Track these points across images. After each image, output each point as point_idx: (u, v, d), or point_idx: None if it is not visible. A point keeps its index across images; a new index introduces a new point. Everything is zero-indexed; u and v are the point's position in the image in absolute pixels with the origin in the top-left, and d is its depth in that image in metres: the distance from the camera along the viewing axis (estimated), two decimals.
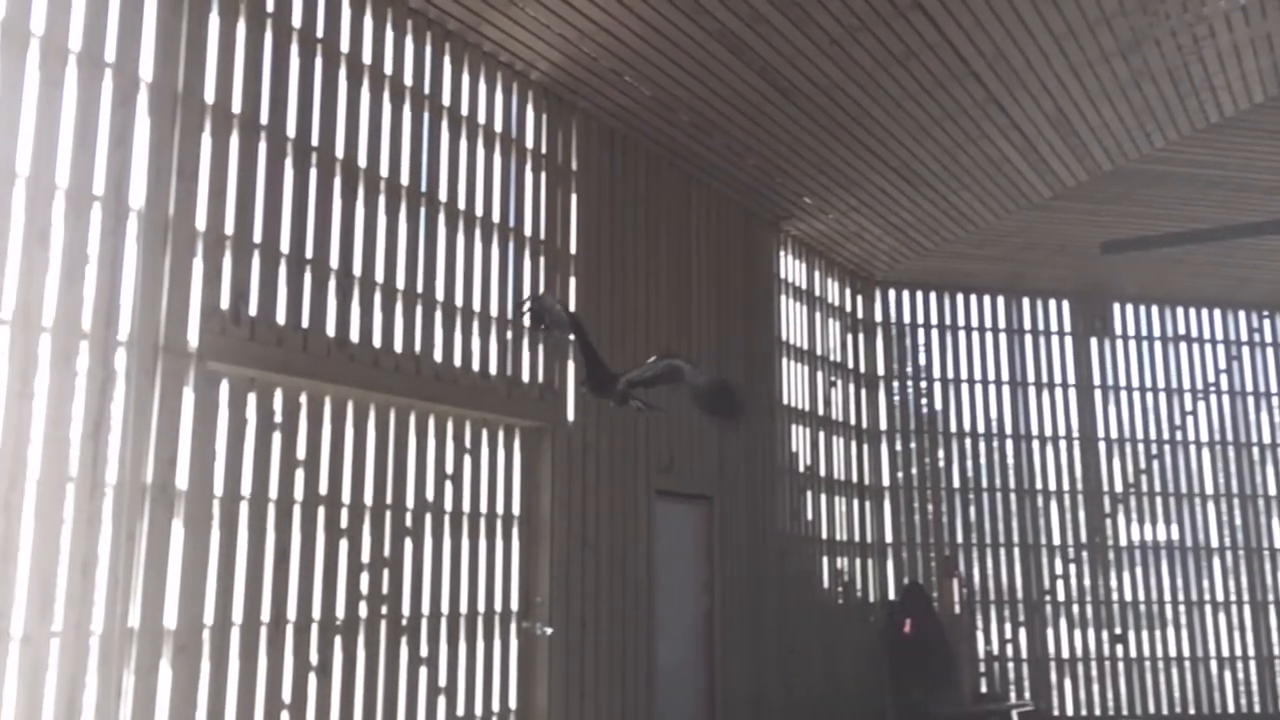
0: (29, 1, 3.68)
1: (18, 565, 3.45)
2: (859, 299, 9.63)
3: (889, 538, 9.36)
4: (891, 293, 9.81)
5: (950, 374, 9.81)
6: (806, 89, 6.28)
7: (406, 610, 4.97)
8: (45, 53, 3.71)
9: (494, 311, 5.65)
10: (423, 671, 5.05)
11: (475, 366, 5.49)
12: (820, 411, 8.82)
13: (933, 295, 9.90)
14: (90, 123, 3.83)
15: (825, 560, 8.59)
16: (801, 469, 8.43)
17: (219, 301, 4.22)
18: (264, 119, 4.48)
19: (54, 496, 3.58)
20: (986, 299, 9.99)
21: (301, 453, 4.54)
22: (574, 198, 6.32)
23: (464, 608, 5.33)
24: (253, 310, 4.36)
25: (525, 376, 5.83)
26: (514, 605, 5.66)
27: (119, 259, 3.88)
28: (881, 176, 7.53)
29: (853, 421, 9.32)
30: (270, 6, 4.55)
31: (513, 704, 5.58)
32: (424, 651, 5.06)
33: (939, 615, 9.04)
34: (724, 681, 7.17)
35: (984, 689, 9.30)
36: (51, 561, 3.55)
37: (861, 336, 9.61)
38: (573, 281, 6.21)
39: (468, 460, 5.48)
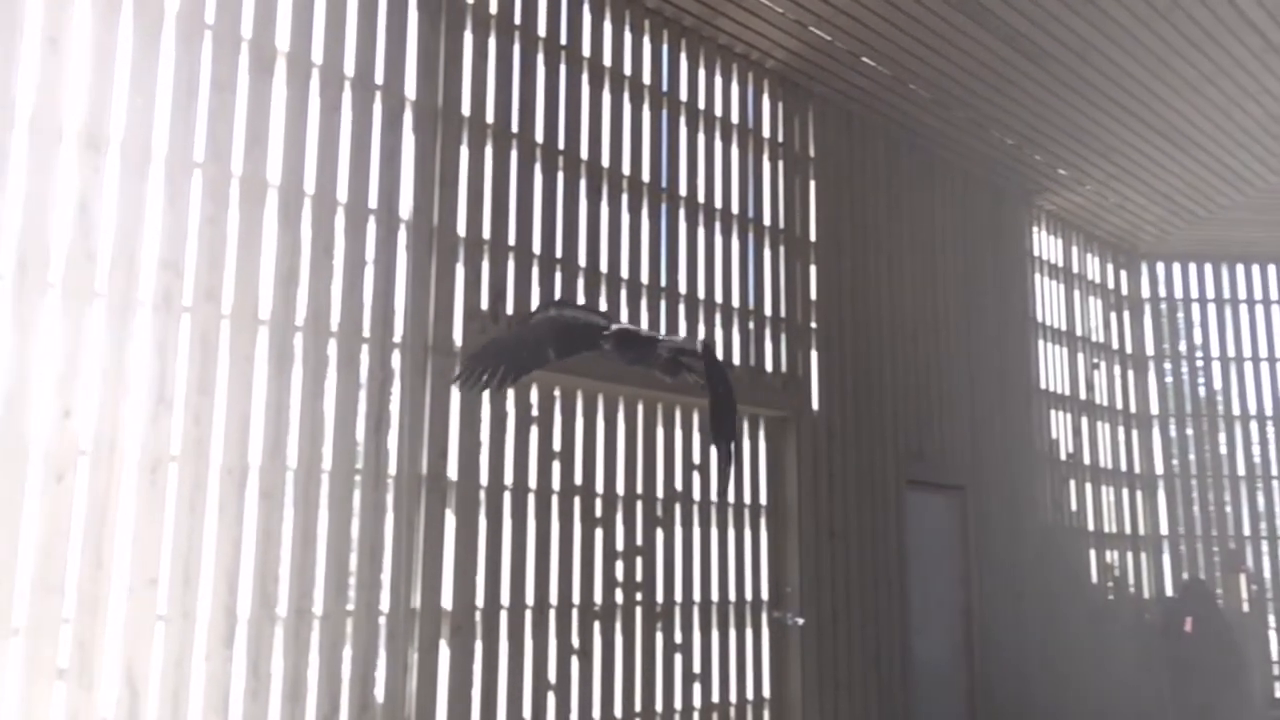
0: (310, 34, 4.03)
1: (316, 550, 3.80)
2: (1122, 274, 8.98)
3: (1164, 530, 8.68)
4: (1160, 266, 9.09)
5: (1231, 352, 8.99)
6: (1057, 52, 5.91)
7: (660, 598, 5.09)
8: (324, 80, 4.06)
9: (735, 302, 5.68)
10: (677, 658, 5.15)
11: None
12: (1082, 395, 8.30)
13: (1208, 267, 9.10)
14: (364, 142, 4.15)
15: (1093, 554, 8.08)
16: (1063, 457, 7.97)
17: (479, 302, 4.47)
18: (514, 127, 4.70)
19: (344, 488, 3.91)
20: (1272, 269, 9.07)
21: (558, 444, 4.73)
22: (812, 185, 6.24)
23: (715, 596, 5.39)
24: (509, 309, 4.59)
25: (769, 365, 5.82)
26: (764, 595, 5.67)
27: (392, 267, 4.19)
28: (1145, 141, 6.99)
29: (1119, 406, 8.71)
30: (518, 18, 4.77)
31: (766, 693, 5.59)
32: (678, 638, 5.16)
33: (1224, 613, 8.31)
34: (985, 682, 6.88)
35: (1278, 694, 8.47)
36: (345, 547, 3.88)
37: (1126, 314, 8.97)
38: (813, 270, 6.15)
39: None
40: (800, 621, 5.66)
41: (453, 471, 4.26)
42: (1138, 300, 9.04)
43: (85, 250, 3.38)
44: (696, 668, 5.24)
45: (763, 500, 5.75)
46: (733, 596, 5.49)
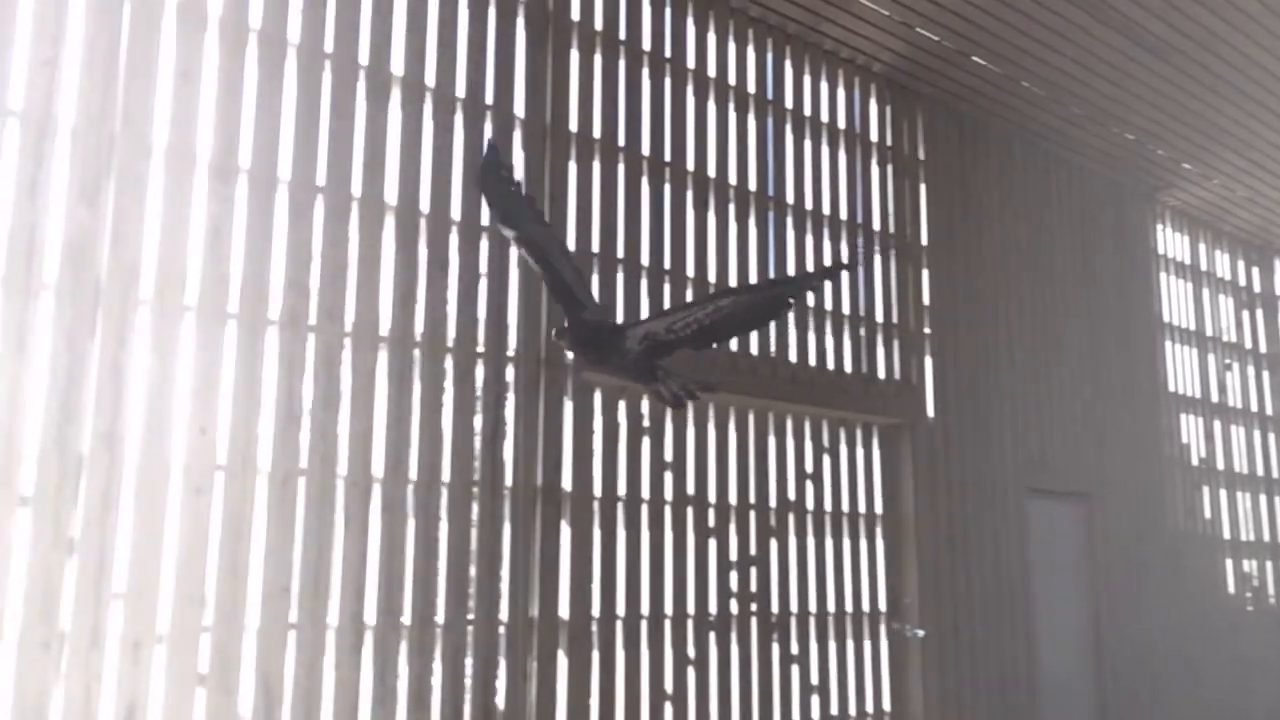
0: (423, 59, 4.14)
1: (438, 560, 3.89)
2: (1254, 271, 8.56)
3: None
4: None
5: None
6: (1179, 43, 5.69)
7: (775, 608, 5.05)
8: (437, 103, 4.17)
9: (846, 309, 5.61)
10: (794, 669, 5.10)
11: (830, 365, 5.47)
12: (1214, 398, 7.93)
13: None
14: (476, 161, 4.25)
15: (1229, 563, 7.70)
16: (1195, 462, 7.62)
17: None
18: (621, 141, 4.75)
19: (463, 499, 4.00)
20: None
21: (669, 455, 4.75)
22: (923, 187, 6.13)
23: (831, 607, 5.32)
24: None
25: (881, 373, 5.73)
26: (882, 605, 5.57)
27: (505, 282, 4.27)
28: (1276, 132, 6.66)
29: (1254, 408, 8.30)
30: (622, 34, 4.82)
31: (886, 706, 5.49)
32: (794, 649, 5.11)
33: None
34: (1116, 696, 6.62)
35: None
36: (464, 557, 3.96)
37: (1260, 313, 8.54)
38: (925, 274, 6.03)
39: (827, 459, 5.47)
40: (920, 633, 5.55)
41: (567, 482, 4.31)
42: (1271, 298, 8.61)
43: (218, 274, 3.55)
44: (814, 679, 5.17)
45: (878, 509, 5.65)
46: (850, 607, 5.41)
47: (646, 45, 4.93)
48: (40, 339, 3.20)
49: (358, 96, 3.97)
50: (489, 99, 4.33)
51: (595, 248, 4.58)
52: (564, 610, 4.20)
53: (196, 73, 3.59)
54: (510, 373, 4.24)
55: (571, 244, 4.50)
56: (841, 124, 5.79)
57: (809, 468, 5.36)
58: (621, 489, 4.52)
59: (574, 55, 4.64)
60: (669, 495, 4.71)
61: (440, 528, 3.93)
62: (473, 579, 3.98)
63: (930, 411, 5.90)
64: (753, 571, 4.99)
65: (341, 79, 3.93)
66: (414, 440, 3.91)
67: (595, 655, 4.30)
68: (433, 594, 3.86)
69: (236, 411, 3.53)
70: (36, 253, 3.20)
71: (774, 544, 5.11)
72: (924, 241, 6.07)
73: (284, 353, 3.66)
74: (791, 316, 5.33)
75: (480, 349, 4.16)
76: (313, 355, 3.74)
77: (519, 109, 4.42)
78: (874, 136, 5.94)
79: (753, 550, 5.01)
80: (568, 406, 4.37)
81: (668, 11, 5.04)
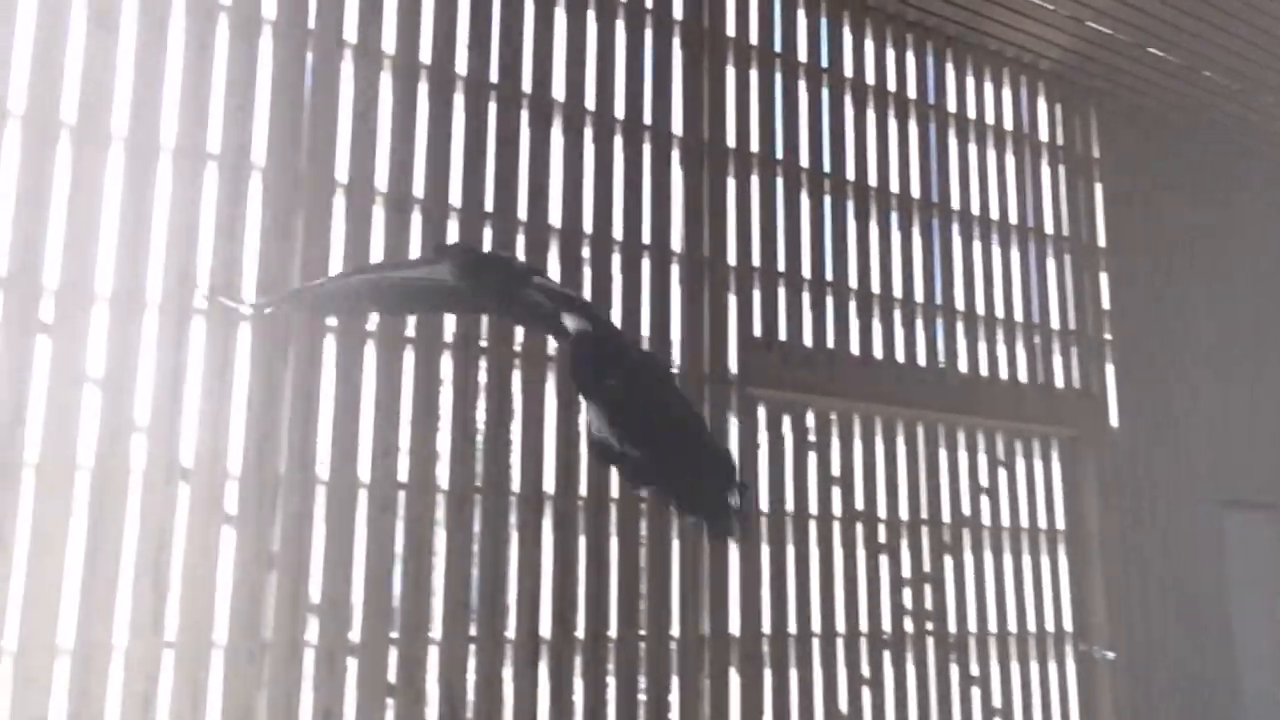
0: (582, 85, 4.24)
1: (609, 576, 3.94)
2: None
3: None
4: None
5: None
6: None
7: (953, 627, 4.88)
8: (597, 126, 4.25)
9: (1019, 316, 5.41)
10: (975, 691, 4.91)
11: (1003, 374, 5.28)
12: None
13: None
14: (635, 181, 4.31)
15: None
16: None
17: (752, 330, 4.50)
18: (779, 154, 4.72)
19: (631, 515, 4.04)
20: None
21: (836, 469, 4.67)
22: (1098, 187, 5.86)
23: (1013, 627, 5.10)
24: (782, 335, 4.59)
25: (1059, 382, 5.49)
26: (1067, 626, 5.31)
27: (667, 299, 4.31)
28: None
29: None
30: (778, 46, 4.81)
31: None
32: (974, 670, 4.93)
33: None
34: None
35: None
36: (634, 573, 4.00)
37: None
38: (1104, 278, 5.75)
39: (1003, 473, 5.27)
40: (1110, 655, 5.26)
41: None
42: None
43: None
44: (996, 702, 4.97)
45: (1059, 524, 5.40)
46: (1032, 627, 5.18)
47: (803, 56, 4.89)
48: (240, 367, 3.42)
49: (521, 125, 4.09)
50: (647, 119, 4.39)
51: (756, 262, 4.57)
52: (734, 627, 4.18)
53: (372, 113, 3.76)
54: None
55: (732, 259, 4.49)
56: (1008, 125, 5.60)
57: (984, 481, 5.18)
58: (789, 504, 4.48)
59: (730, 71, 4.65)
60: (838, 510, 4.63)
61: (610, 543, 3.98)
62: (643, 595, 4.01)
63: (1114, 421, 5.61)
64: (928, 589, 4.85)
65: (505, 108, 4.06)
66: (583, 458, 3.98)
67: (768, 673, 4.26)
68: (605, 610, 3.91)
69: (415, 433, 3.68)
70: (234, 287, 3.42)
71: (949, 561, 4.95)
72: (1101, 243, 5.79)
73: (458, 375, 3.79)
74: (960, 325, 5.17)
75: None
76: (484, 376, 3.86)
77: (676, 127, 4.46)
78: (1044, 136, 5.72)
79: (927, 567, 4.86)
80: (733, 421, 4.37)
81: (823, 21, 4.99)
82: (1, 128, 3.13)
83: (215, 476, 3.31)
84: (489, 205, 3.97)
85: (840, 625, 4.52)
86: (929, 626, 4.81)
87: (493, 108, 4.04)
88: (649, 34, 4.47)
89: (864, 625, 4.59)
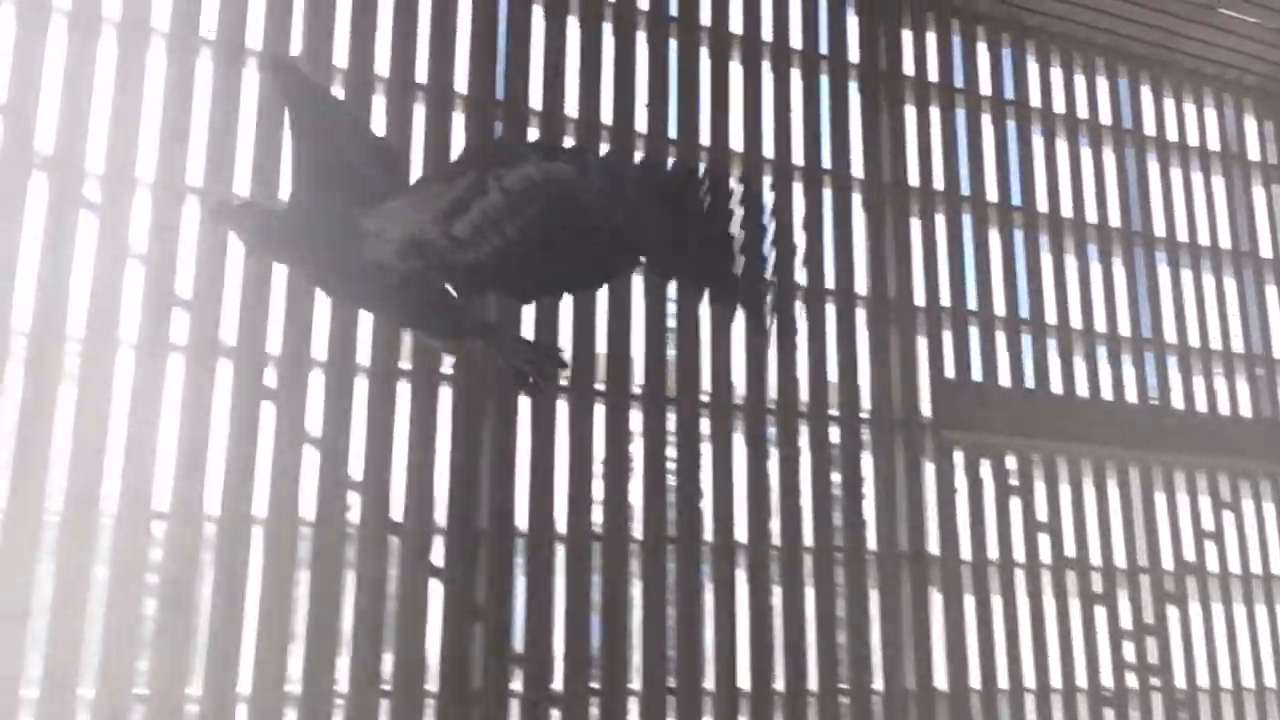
0: (759, 133, 4.26)
1: (806, 627, 3.86)
2: None
3: None
4: None
5: None
6: None
7: (1181, 683, 4.52)
8: (777, 174, 4.27)
9: (1237, 348, 5.03)
10: None
11: (1223, 409, 4.91)
12: None
13: None
14: (816, 226, 4.29)
15: None
16: None
17: (944, 371, 4.37)
18: (965, 189, 4.60)
19: (825, 564, 3.96)
20: None
21: (1042, 514, 4.45)
22: None
23: (1249, 682, 4.68)
24: (977, 375, 4.43)
25: None
26: None
27: (852, 344, 4.24)
28: None
29: None
30: (959, 81, 4.71)
31: None
32: None
33: None
34: None
35: None
36: (831, 624, 3.90)
37: None
38: None
39: (1228, 515, 4.88)
40: None
41: (933, 546, 4.15)
42: None
43: (586, 354, 3.80)
44: None
45: None
46: (1272, 683, 4.73)
47: (986, 89, 4.77)
48: (442, 426, 3.56)
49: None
50: (826, 163, 4.37)
51: (946, 301, 4.44)
52: (941, 681, 4.01)
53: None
54: (865, 435, 4.18)
55: (920, 299, 4.39)
56: (1213, 145, 5.27)
57: (1207, 525, 4.81)
58: (993, 552, 4.28)
59: (910, 110, 4.59)
60: (1046, 558, 4.39)
61: (805, 593, 3.91)
62: (841, 646, 3.91)
63: None
64: (1151, 641, 4.52)
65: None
66: (774, 507, 3.94)
67: None
68: (802, 662, 3.82)
69: (608, 484, 3.73)
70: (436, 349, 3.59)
71: (1173, 611, 4.61)
72: None
73: (649, 425, 3.83)
74: (1172, 360, 4.86)
75: (834, 412, 4.13)
76: (673, 426, 3.89)
77: (856, 170, 4.42)
78: (1254, 155, 5.36)
79: (1148, 618, 4.54)
80: (929, 468, 4.24)
81: (1005, 52, 4.86)
82: None
83: (423, 530, 3.45)
84: None
85: (1056, 680, 4.26)
86: (1153, 681, 4.47)
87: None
88: (825, 80, 4.46)
89: (1082, 680, 4.31)
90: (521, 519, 3.59)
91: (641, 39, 4.15)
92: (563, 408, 3.74)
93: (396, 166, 2.14)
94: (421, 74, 3.77)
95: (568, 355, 2.10)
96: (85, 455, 3.08)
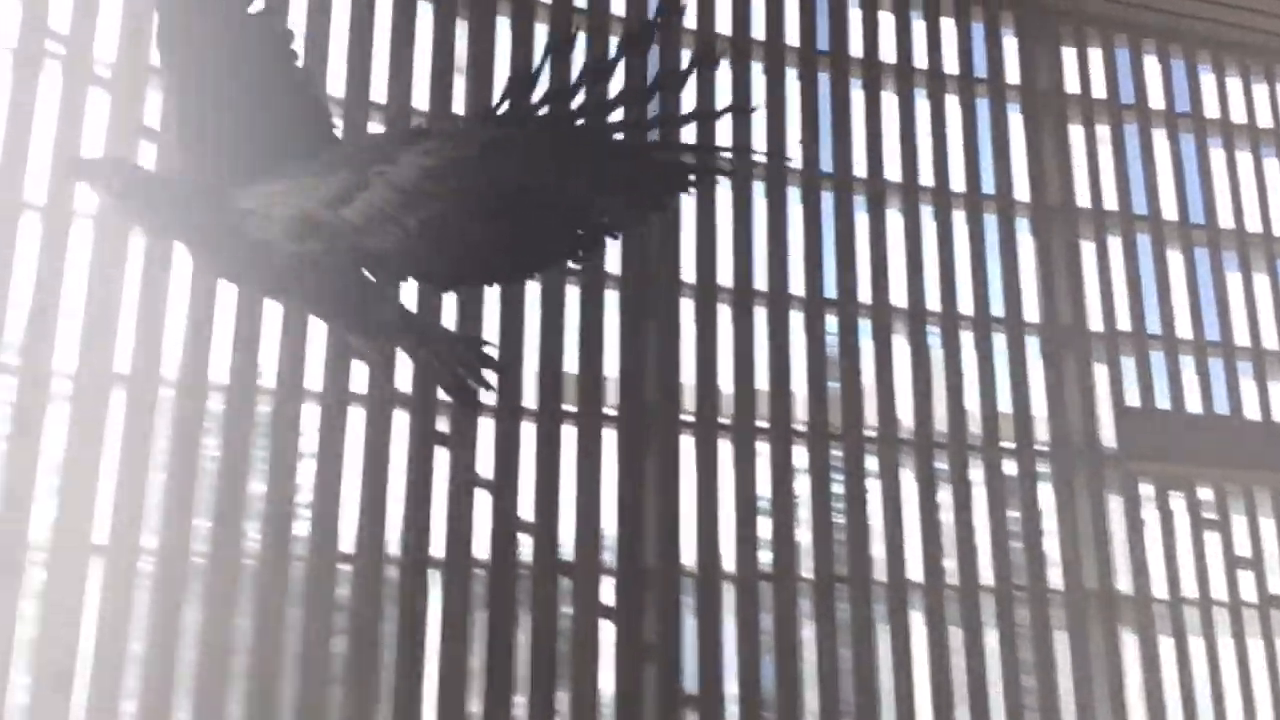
0: (915, 160, 4.19)
1: (985, 670, 3.70)
2: None
3: None
4: None
5: None
6: None
7: None
8: (936, 202, 4.17)
9: None
10: None
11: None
12: None
13: None
14: (980, 251, 4.17)
15: None
16: None
17: (1125, 399, 4.15)
18: (1141, 209, 4.39)
19: (1007, 603, 3.79)
20: None
21: (1244, 549, 4.14)
22: None
23: None
24: (1163, 403, 4.19)
25: None
26: None
27: (1024, 372, 4.07)
28: None
29: None
30: (1127, 97, 4.51)
31: None
32: None
33: None
34: None
35: None
36: (1014, 667, 3.73)
37: None
38: None
39: None
40: None
41: (1124, 584, 3.92)
42: None
43: (747, 393, 3.77)
44: None
45: None
46: None
47: (1157, 103, 4.55)
48: (608, 466, 3.60)
49: (856, 208, 4.08)
50: (988, 188, 4.25)
51: (1125, 326, 4.23)
52: None
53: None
54: (1043, 467, 4.00)
55: (1098, 324, 4.19)
56: None
57: None
58: (1190, 590, 4.01)
59: (1076, 129, 4.42)
60: (1250, 596, 4.08)
61: (986, 635, 3.75)
62: (1032, 690, 3.72)
63: None
64: None
65: (841, 195, 4.08)
66: (950, 543, 3.81)
67: None
68: (985, 707, 3.65)
69: (776, 522, 3.68)
70: (597, 387, 3.64)
71: None
72: None
73: (813, 461, 3.77)
74: None
75: (1008, 445, 3.98)
76: (840, 463, 3.81)
77: (1021, 193, 4.28)
78: None
79: None
80: (1113, 502, 4.02)
81: (1176, 64, 4.63)
82: None
83: (592, 570, 3.48)
84: (830, 290, 3.96)
85: None
86: None
87: (827, 195, 4.07)
88: (983, 103, 4.35)
89: None
90: (688, 557, 3.57)
91: (792, 74, 4.15)
92: (725, 447, 3.72)
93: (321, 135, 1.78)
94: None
95: (496, 352, 1.77)
96: (277, 499, 3.24)
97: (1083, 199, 4.34)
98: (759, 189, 4.00)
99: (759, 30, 4.14)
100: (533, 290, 3.65)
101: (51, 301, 3.12)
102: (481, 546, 3.39)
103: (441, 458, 3.43)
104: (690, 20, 4.02)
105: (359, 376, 3.39)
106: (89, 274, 3.19)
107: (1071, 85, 4.46)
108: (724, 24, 4.11)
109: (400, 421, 3.43)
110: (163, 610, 3.04)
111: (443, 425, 3.46)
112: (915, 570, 3.75)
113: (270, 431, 3.29)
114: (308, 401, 3.34)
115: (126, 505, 3.07)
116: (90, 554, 3.01)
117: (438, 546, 3.34)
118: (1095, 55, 4.53)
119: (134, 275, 3.22)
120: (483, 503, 3.44)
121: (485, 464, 3.48)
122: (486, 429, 3.51)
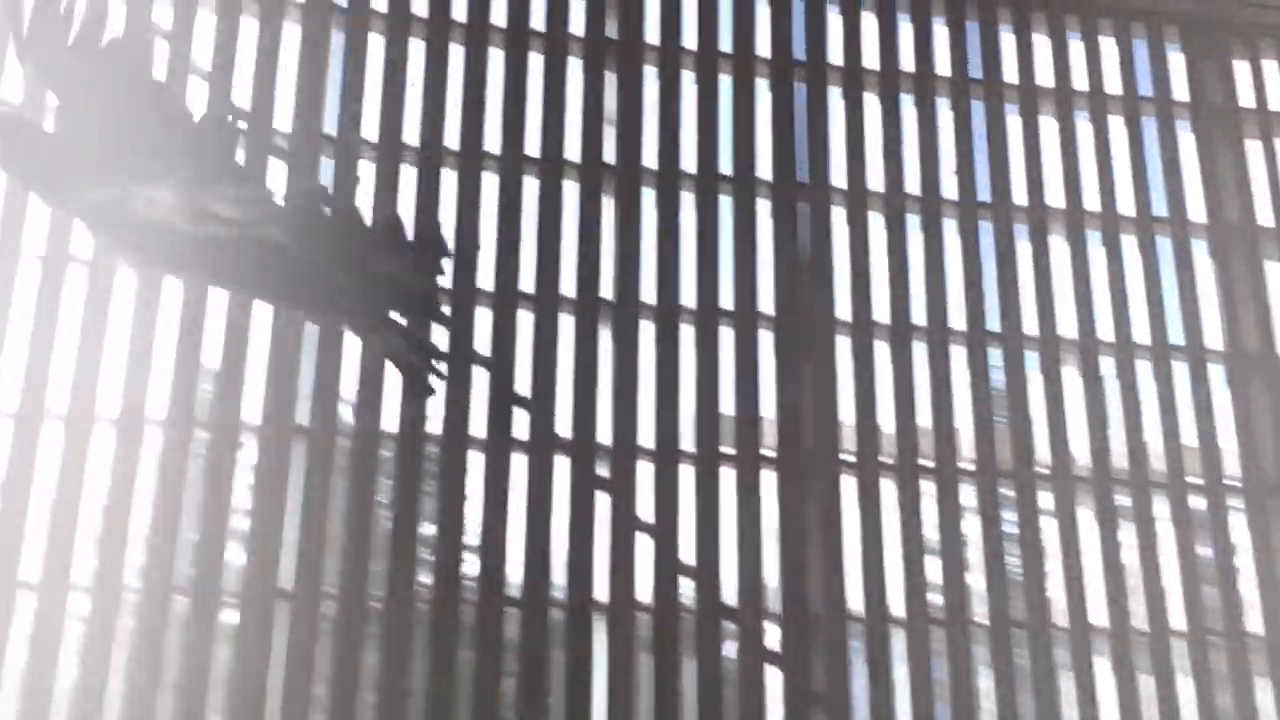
0: (1079, 182, 4.04)
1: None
2: None
3: None
4: None
5: None
6: None
7: None
8: (1105, 224, 4.01)
9: None
10: None
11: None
12: None
13: None
14: (1154, 276, 3.98)
15: None
16: None
17: None
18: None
19: (1200, 646, 3.57)
20: None
21: None
22: None
23: None
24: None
25: None
26: None
27: (1208, 399, 3.85)
28: None
29: None
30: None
31: None
32: None
33: None
34: None
35: None
36: (1211, 713, 3.50)
37: None
38: None
39: None
40: None
41: None
42: None
43: (908, 431, 3.68)
44: None
45: None
46: None
47: None
48: (768, 508, 3.55)
49: (1017, 237, 3.96)
50: (1159, 210, 4.07)
51: None
52: None
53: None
54: (1234, 501, 3.76)
55: None
56: None
57: None
58: None
59: (1254, 144, 4.20)
60: None
61: (1179, 681, 3.52)
62: None
63: None
64: None
65: (1000, 224, 3.96)
66: (1135, 588, 3.60)
67: None
68: None
69: (945, 564, 3.57)
70: (754, 430, 3.61)
71: None
72: None
73: (981, 500, 3.65)
74: None
75: (1194, 480, 3.76)
76: (1012, 502, 3.68)
77: (1198, 214, 4.08)
78: None
79: None
80: None
81: None
82: None
83: (755, 615, 3.42)
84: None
85: None
86: None
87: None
88: (1150, 123, 4.17)
89: None
90: (855, 602, 3.49)
91: (943, 104, 4.08)
92: (889, 487, 3.63)
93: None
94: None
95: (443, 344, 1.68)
96: (402, 538, 3.32)
97: (1264, 217, 4.10)
98: (914, 222, 3.93)
99: (872, 58, 4.04)
100: (687, 333, 3.67)
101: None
102: (644, 590, 3.39)
103: (603, 503, 3.46)
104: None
105: (520, 422, 3.46)
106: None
107: (1245, 99, 4.25)
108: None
109: (561, 465, 3.48)
110: (343, 654, 3.15)
111: (602, 469, 3.49)
112: (1097, 615, 3.56)
113: (438, 475, 3.38)
114: (471, 449, 3.42)
115: (308, 553, 3.19)
116: (275, 598, 3.14)
117: (601, 590, 3.36)
118: (1271, 67, 4.30)
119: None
120: (644, 546, 3.45)
121: (645, 509, 3.49)
122: (646, 472, 3.52)
